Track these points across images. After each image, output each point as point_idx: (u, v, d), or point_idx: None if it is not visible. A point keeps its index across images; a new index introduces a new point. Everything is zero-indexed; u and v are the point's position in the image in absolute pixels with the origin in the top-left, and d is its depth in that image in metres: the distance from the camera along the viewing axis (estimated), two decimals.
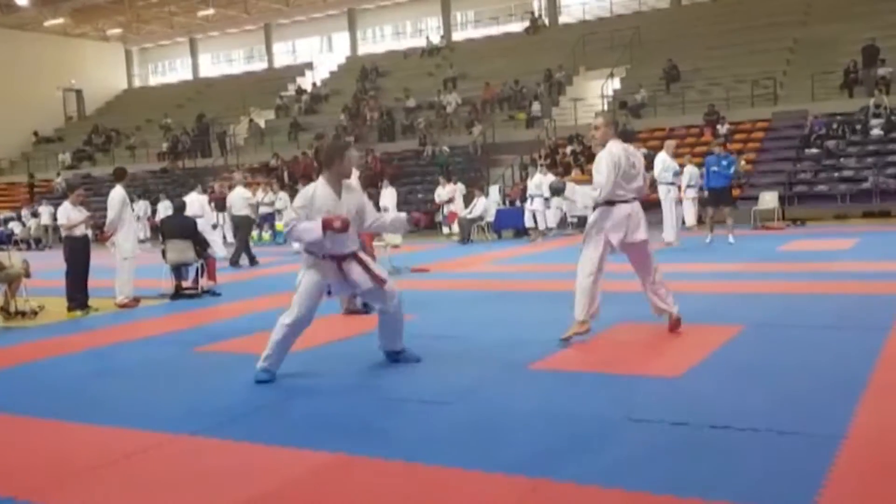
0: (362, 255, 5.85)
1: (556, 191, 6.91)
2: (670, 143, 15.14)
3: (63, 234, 10.25)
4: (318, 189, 5.64)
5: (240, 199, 15.84)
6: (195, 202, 16.04)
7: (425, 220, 6.48)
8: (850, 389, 4.62)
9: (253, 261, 15.29)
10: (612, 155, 6.22)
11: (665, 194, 14.35)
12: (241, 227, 15.70)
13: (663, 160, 14.41)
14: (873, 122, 21.51)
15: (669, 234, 14.19)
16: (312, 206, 5.56)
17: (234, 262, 15.14)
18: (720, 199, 14.00)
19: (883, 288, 8.43)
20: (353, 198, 5.78)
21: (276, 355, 5.68)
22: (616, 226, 6.30)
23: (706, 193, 14.58)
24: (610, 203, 6.28)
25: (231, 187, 16.81)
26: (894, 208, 18.64)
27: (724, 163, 13.91)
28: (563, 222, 20.15)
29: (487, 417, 4.57)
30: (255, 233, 19.10)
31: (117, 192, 10.31)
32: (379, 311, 5.97)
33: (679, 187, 14.54)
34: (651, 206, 20.25)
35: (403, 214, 6.36)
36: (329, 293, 5.77)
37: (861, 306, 7.50)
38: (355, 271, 5.72)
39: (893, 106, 21.79)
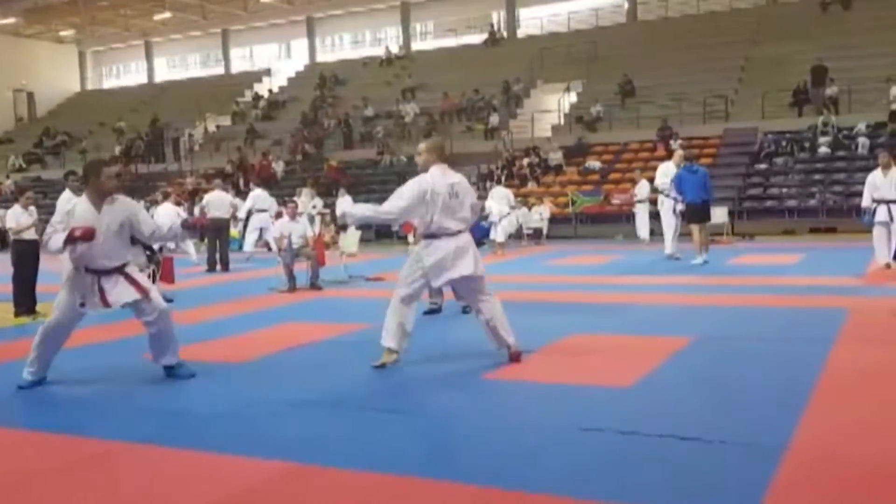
0: (128, 271, 5.90)
1: (341, 223, 6.58)
2: (679, 154, 14.22)
3: (11, 237, 10.05)
4: (79, 204, 5.89)
5: (220, 201, 15.71)
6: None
7: (202, 223, 6.91)
8: (795, 401, 4.74)
9: (226, 265, 15.28)
10: (421, 182, 5.89)
11: (660, 205, 14.08)
12: (223, 230, 15.60)
13: (665, 169, 13.95)
14: (821, 140, 22.08)
15: (668, 245, 13.86)
16: (70, 219, 5.80)
17: (226, 264, 15.23)
18: (700, 214, 13.03)
19: (827, 301, 8.65)
20: (117, 212, 5.85)
21: (38, 359, 5.89)
22: (438, 263, 5.93)
23: (682, 208, 13.41)
24: (432, 237, 5.95)
25: (208, 190, 16.69)
26: (840, 224, 19.11)
27: (696, 175, 12.98)
28: (518, 233, 20.32)
29: (440, 426, 4.61)
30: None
31: (66, 196, 10.11)
32: (145, 325, 5.95)
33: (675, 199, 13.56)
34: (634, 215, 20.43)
35: (178, 222, 6.68)
36: (82, 305, 5.83)
37: (806, 319, 7.69)
38: (117, 286, 5.83)
39: (841, 125, 22.37)
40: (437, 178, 5.92)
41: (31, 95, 43.40)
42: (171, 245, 15.08)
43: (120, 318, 9.37)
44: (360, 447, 4.25)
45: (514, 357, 6.07)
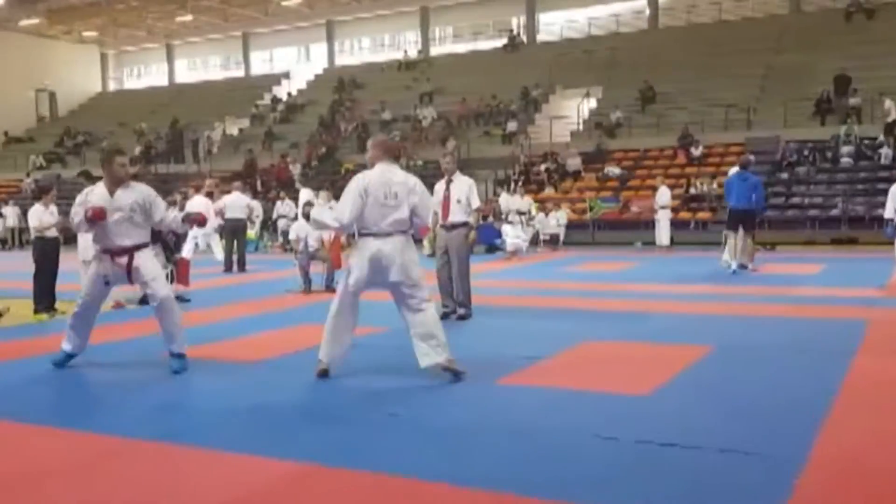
0: (140, 253, 6.32)
1: (306, 215, 6.56)
2: (747, 159, 13.78)
3: (33, 235, 10.10)
4: (95, 189, 6.42)
5: (238, 203, 15.85)
6: None
7: (202, 219, 7.12)
8: (814, 412, 4.66)
9: (243, 266, 15.36)
10: (360, 181, 5.71)
11: None
12: (239, 231, 15.74)
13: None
14: (843, 150, 21.89)
15: (737, 255, 13.17)
16: (87, 203, 6.29)
17: (242, 265, 15.33)
18: (742, 221, 12.71)
19: (848, 313, 8.55)
20: (129, 196, 6.30)
21: (72, 336, 6.41)
22: (361, 263, 5.69)
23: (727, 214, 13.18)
24: (360, 235, 5.74)
25: (226, 192, 16.91)
26: (861, 235, 18.92)
27: (746, 182, 12.68)
28: (535, 240, 20.27)
29: (454, 431, 4.55)
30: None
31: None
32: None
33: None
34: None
35: (180, 215, 7.04)
36: (107, 283, 6.39)
37: (827, 330, 7.59)
38: (129, 266, 6.28)
39: (863, 135, 22.17)
40: (376, 176, 5.75)
41: (52, 95, 43.80)
42: (202, 245, 15.20)
43: (137, 317, 9.42)
44: (372, 449, 4.21)
45: (453, 373, 5.65)
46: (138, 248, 6.31)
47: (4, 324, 9.09)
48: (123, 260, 6.24)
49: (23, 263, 11.23)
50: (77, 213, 6.33)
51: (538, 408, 5.02)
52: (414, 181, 5.92)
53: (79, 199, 6.44)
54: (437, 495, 3.58)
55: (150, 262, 6.41)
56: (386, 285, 5.77)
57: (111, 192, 6.29)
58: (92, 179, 10.45)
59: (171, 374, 6.11)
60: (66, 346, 6.42)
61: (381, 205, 5.66)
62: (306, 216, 15.24)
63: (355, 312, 5.91)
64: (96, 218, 6.15)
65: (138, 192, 6.37)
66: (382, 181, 5.73)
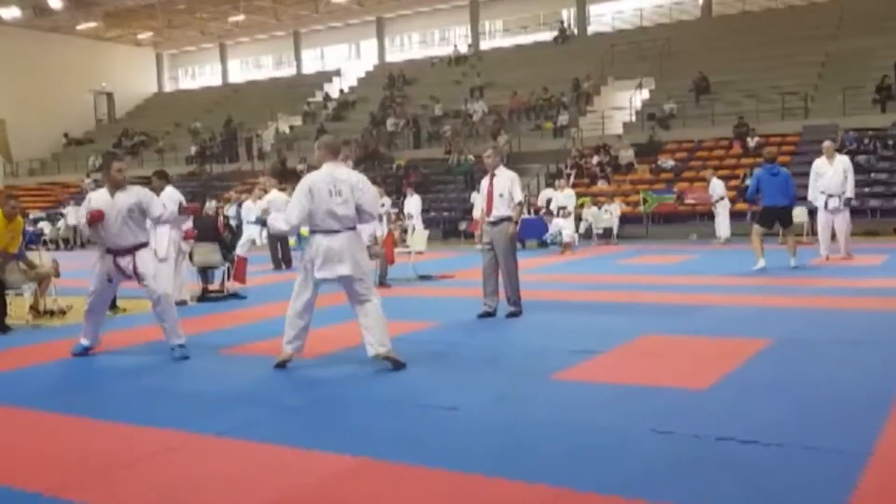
0: (141, 253, 6.74)
1: (260, 221, 6.87)
2: (828, 145, 13.30)
3: None
4: (97, 194, 6.84)
5: (279, 201, 16.03)
6: None
7: (195, 210, 7.49)
8: (878, 406, 4.55)
9: (289, 263, 15.51)
10: (305, 182, 5.98)
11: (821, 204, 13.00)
12: None
13: (817, 168, 12.94)
14: None
15: (822, 246, 13.07)
16: (90, 206, 6.68)
17: (288, 262, 15.50)
18: (778, 218, 12.01)
19: None
20: (127, 198, 6.72)
21: (87, 328, 6.95)
22: (314, 258, 5.96)
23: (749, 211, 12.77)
24: (312, 232, 6.02)
25: (266, 191, 17.08)
26: None
27: (777, 177, 11.89)
28: (588, 233, 20.12)
29: (510, 426, 4.55)
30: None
31: (174, 191, 10.06)
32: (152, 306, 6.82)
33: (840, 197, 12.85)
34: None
35: (175, 207, 7.67)
36: (110, 280, 6.83)
37: (890, 323, 7.39)
38: (130, 266, 6.69)
39: None
40: (322, 175, 5.98)
41: (110, 97, 44.84)
42: (259, 242, 15.43)
43: (190, 315, 9.58)
44: (430, 444, 4.23)
45: (393, 364, 5.91)
46: (138, 247, 6.74)
47: (68, 321, 9.31)
48: (126, 259, 6.67)
49: (84, 262, 11.45)
50: (83, 216, 6.72)
51: (594, 403, 4.99)
52: (357, 177, 6.13)
53: (84, 203, 6.86)
54: (495, 490, 3.57)
55: (150, 262, 6.81)
56: (338, 279, 6.00)
57: (112, 195, 6.71)
58: (166, 178, 10.49)
59: (224, 372, 6.20)
60: (84, 341, 6.96)
61: (327, 202, 5.88)
62: None
63: (311, 306, 6.13)
64: (94, 220, 6.57)
65: (135, 194, 6.81)
66: (328, 179, 5.95)
